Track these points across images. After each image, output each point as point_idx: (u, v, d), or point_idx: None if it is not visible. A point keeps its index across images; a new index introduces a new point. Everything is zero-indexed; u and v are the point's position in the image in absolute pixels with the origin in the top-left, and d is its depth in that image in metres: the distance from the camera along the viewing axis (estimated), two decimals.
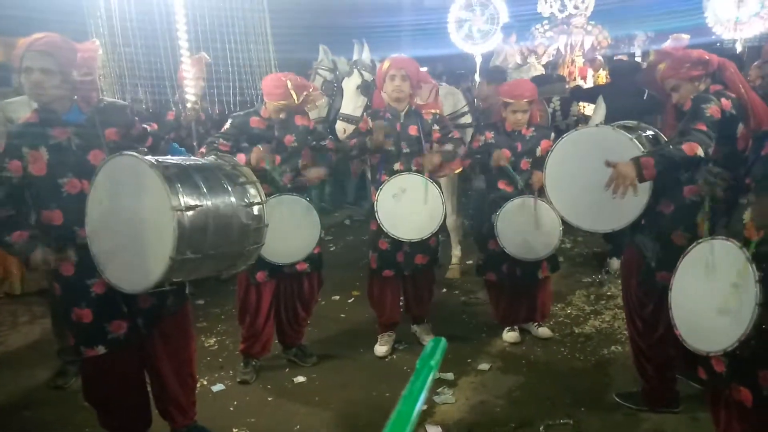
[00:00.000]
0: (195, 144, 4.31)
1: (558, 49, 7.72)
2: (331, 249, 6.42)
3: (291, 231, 3.35)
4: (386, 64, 3.69)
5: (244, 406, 3.30)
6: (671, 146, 2.56)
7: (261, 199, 2.47)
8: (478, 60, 6.89)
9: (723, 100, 2.60)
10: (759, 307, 1.97)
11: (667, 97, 2.89)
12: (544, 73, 6.84)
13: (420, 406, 0.87)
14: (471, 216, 4.68)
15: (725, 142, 2.58)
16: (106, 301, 2.48)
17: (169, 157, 2.50)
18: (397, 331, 3.94)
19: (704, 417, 2.78)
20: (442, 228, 3.88)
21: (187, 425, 2.84)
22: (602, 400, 3.22)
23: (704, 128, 2.52)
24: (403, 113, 3.70)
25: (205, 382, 3.49)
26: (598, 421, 3.05)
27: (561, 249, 3.82)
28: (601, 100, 5.28)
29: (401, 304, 4.01)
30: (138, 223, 2.30)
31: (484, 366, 3.65)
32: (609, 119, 4.46)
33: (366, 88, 4.72)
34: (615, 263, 4.99)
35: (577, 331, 4.12)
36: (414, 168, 3.66)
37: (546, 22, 7.81)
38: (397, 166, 3.66)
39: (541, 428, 2.99)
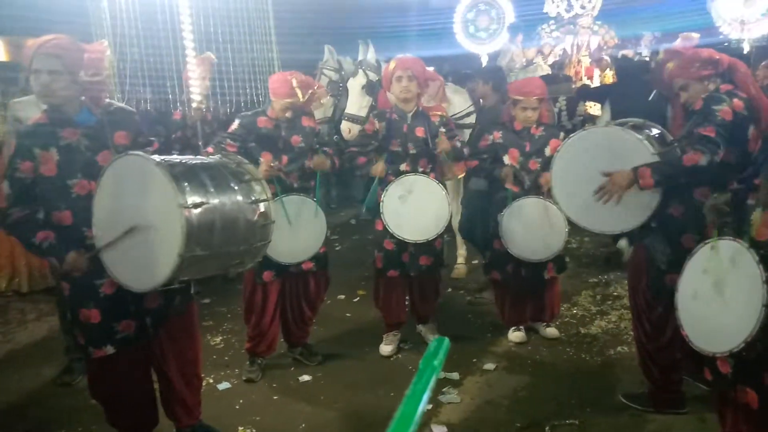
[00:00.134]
0: (200, 143, 4.33)
1: (564, 49, 7.71)
2: (337, 248, 6.44)
3: (297, 231, 3.36)
4: (392, 65, 3.69)
5: (250, 404, 3.31)
6: (671, 156, 2.57)
7: (267, 196, 2.48)
8: (484, 60, 6.88)
9: (735, 100, 2.58)
10: (765, 308, 1.97)
11: (676, 96, 2.88)
12: (550, 72, 6.83)
13: (423, 406, 0.87)
14: (464, 216, 4.64)
15: (737, 143, 2.57)
16: (114, 301, 2.48)
17: (174, 156, 2.51)
18: (403, 331, 3.95)
19: (711, 418, 2.77)
20: (448, 228, 3.88)
21: (192, 424, 2.85)
22: (608, 401, 3.21)
23: (712, 134, 2.50)
24: (411, 114, 3.70)
25: (210, 381, 3.51)
26: (604, 421, 3.04)
27: (567, 249, 3.81)
28: (607, 103, 5.25)
29: (407, 303, 4.01)
30: (145, 222, 2.31)
31: (489, 366, 3.65)
32: (615, 119, 4.44)
33: (371, 88, 4.73)
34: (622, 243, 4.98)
35: (583, 331, 4.11)
36: (420, 169, 3.66)
37: (552, 22, 7.80)
38: (403, 166, 3.66)
39: (546, 428, 2.98)
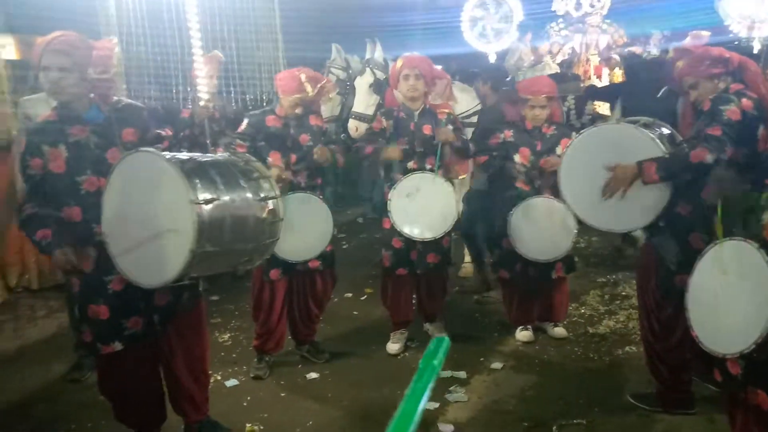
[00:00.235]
0: (208, 142, 4.34)
1: (573, 48, 7.68)
2: (344, 247, 6.44)
3: (304, 229, 3.36)
4: (399, 64, 3.69)
5: (257, 401, 3.32)
6: (677, 151, 2.56)
7: (275, 193, 2.49)
8: (492, 58, 6.86)
9: (744, 100, 2.56)
10: None
11: (686, 94, 2.87)
12: (558, 71, 6.80)
13: (423, 405, 0.87)
14: (464, 215, 4.61)
15: (745, 143, 2.55)
16: (123, 297, 2.49)
17: (184, 153, 2.52)
18: (410, 329, 3.95)
19: (720, 419, 2.75)
20: (455, 227, 3.87)
21: (200, 420, 2.86)
22: (616, 401, 3.20)
23: (719, 133, 2.49)
24: (418, 112, 3.70)
25: (218, 377, 3.52)
26: (612, 422, 3.03)
27: (575, 248, 3.79)
28: (618, 102, 5.23)
29: (414, 302, 4.01)
30: (155, 218, 2.32)
31: (497, 365, 3.64)
32: (626, 117, 4.42)
33: (378, 87, 4.73)
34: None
35: (591, 331, 4.10)
36: (428, 167, 3.66)
37: (561, 20, 7.77)
38: (410, 164, 3.66)
39: (554, 428, 2.98)
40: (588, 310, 4.45)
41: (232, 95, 5.72)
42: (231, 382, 3.50)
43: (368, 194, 7.83)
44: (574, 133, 3.71)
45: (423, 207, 3.59)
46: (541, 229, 3.66)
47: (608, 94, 6.25)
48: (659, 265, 2.87)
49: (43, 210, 2.46)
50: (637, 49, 7.45)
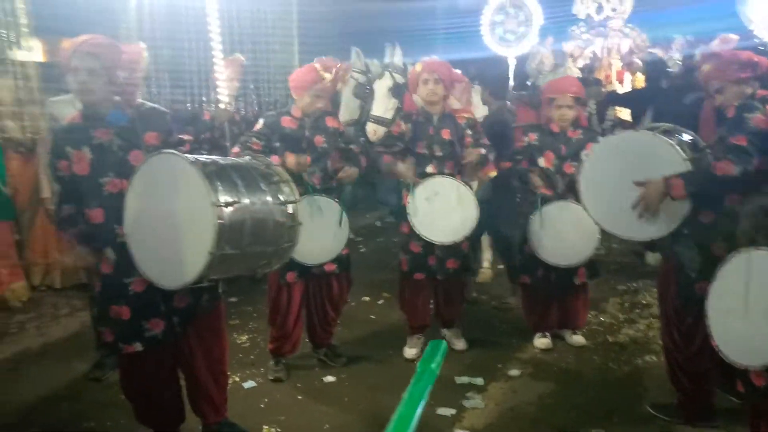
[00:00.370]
0: (228, 144, 4.39)
1: (594, 52, 7.61)
2: (362, 250, 6.46)
3: (320, 232, 3.36)
4: (419, 68, 3.69)
5: (275, 403, 3.33)
6: (704, 165, 2.52)
7: (295, 197, 2.50)
8: (512, 63, 6.83)
9: None
10: None
11: (708, 99, 2.83)
12: (580, 76, 6.75)
13: (421, 409, 0.87)
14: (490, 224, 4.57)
15: None
16: (144, 299, 2.52)
17: (205, 156, 2.55)
18: (427, 335, 3.94)
19: None
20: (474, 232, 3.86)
21: (219, 421, 2.88)
22: (635, 411, 3.16)
23: (743, 142, 2.45)
24: (437, 117, 3.69)
25: (236, 379, 3.54)
26: None
27: (594, 254, 3.74)
28: (649, 111, 5.16)
29: (431, 307, 4.00)
30: (176, 220, 2.34)
31: (514, 372, 3.62)
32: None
33: (397, 91, 4.73)
34: (650, 257, 4.90)
35: (610, 339, 4.06)
36: (447, 171, 3.65)
37: (582, 24, 7.71)
38: (429, 168, 3.66)
39: None
40: (607, 318, 4.40)
41: (252, 98, 5.77)
42: (249, 384, 3.53)
43: (386, 198, 7.83)
44: (600, 138, 3.67)
45: (442, 211, 3.58)
46: (562, 234, 3.63)
47: (630, 99, 6.19)
48: (679, 272, 2.83)
49: (79, 210, 2.52)
50: (659, 51, 7.36)
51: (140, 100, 2.70)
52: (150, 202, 2.40)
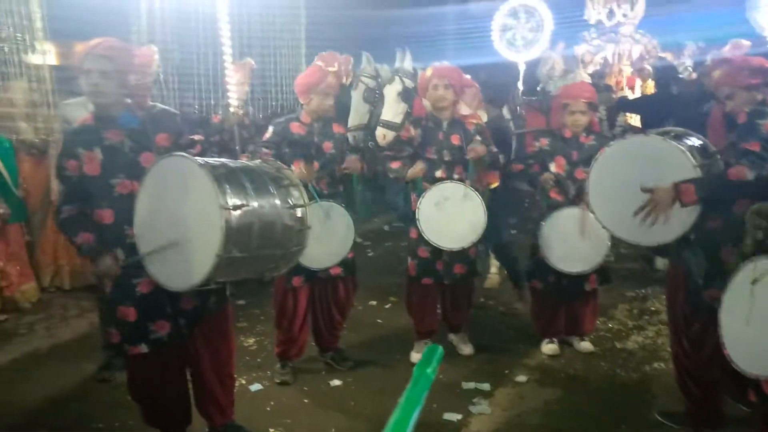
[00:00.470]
0: (237, 148, 4.40)
1: (605, 58, 7.59)
2: (369, 254, 6.46)
3: (327, 237, 3.37)
4: (429, 73, 3.70)
5: (281, 406, 3.34)
6: (716, 171, 2.49)
7: (304, 201, 2.50)
8: (522, 68, 6.81)
9: None
10: None
11: (717, 104, 2.81)
12: (590, 82, 6.73)
13: (417, 414, 0.87)
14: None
15: None
16: (150, 300, 2.53)
17: (216, 158, 2.56)
18: (434, 339, 3.93)
19: None
20: (482, 238, 3.85)
21: (225, 424, 2.88)
22: (643, 418, 3.14)
23: (757, 148, 2.43)
24: (446, 122, 3.70)
25: (243, 382, 3.55)
26: None
27: (605, 262, 3.72)
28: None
29: (438, 312, 3.99)
30: (185, 222, 2.35)
31: (521, 378, 3.60)
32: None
33: (407, 95, 4.73)
34: (659, 262, 4.87)
35: (618, 346, 4.03)
36: (456, 176, 3.65)
37: (593, 29, 7.69)
38: (439, 174, 3.66)
39: None
40: (616, 325, 4.37)
41: (261, 101, 5.80)
42: (255, 387, 3.53)
43: (395, 202, 7.83)
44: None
45: (451, 217, 3.58)
46: (573, 240, 3.61)
47: (639, 106, 6.16)
48: (688, 279, 2.81)
49: (83, 212, 2.53)
50: (669, 56, 7.33)
51: (151, 103, 2.72)
52: (159, 204, 2.42)
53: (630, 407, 3.26)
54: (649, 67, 7.12)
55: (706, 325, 2.69)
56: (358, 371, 3.71)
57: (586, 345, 3.94)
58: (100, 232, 2.52)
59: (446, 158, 3.66)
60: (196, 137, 2.74)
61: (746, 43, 5.25)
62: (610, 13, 7.86)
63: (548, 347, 3.90)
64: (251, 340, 4.20)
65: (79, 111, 3.65)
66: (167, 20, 4.97)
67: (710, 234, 2.70)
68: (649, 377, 3.61)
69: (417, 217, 3.60)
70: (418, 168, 3.63)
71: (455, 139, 3.66)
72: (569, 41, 7.31)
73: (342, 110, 5.19)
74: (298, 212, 2.47)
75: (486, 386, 3.47)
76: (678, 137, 2.82)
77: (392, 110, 4.73)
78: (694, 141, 2.87)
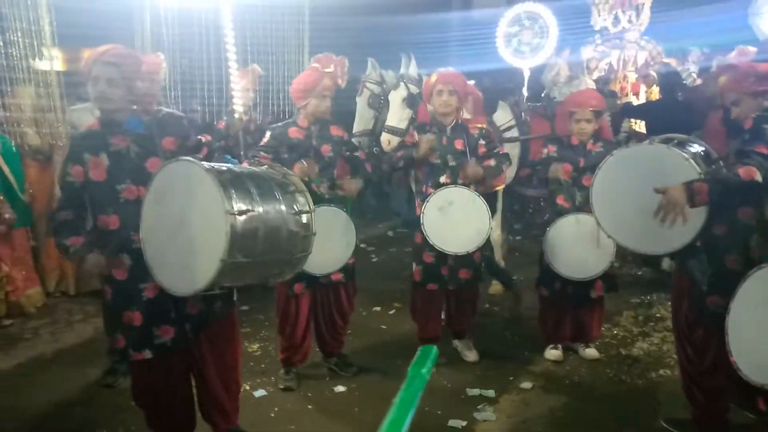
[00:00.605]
0: (242, 153, 4.42)
1: (610, 64, 7.59)
2: (374, 260, 6.45)
3: (328, 242, 3.35)
4: (433, 79, 3.70)
5: (285, 412, 3.33)
6: (726, 170, 2.48)
7: (309, 207, 2.50)
8: (526, 74, 6.83)
9: None
10: None
11: (712, 111, 2.80)
12: (594, 88, 6.73)
13: (412, 414, 0.87)
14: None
15: None
16: (156, 305, 2.53)
17: (222, 163, 2.57)
18: (438, 345, 3.91)
19: None
20: (486, 243, 3.85)
21: (229, 429, 2.87)
22: (649, 425, 3.12)
23: (765, 151, 2.42)
24: (450, 127, 3.70)
25: (247, 387, 3.54)
26: None
27: (610, 268, 3.71)
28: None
29: (443, 318, 3.99)
30: (191, 227, 2.35)
31: (526, 384, 3.59)
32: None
33: (412, 101, 4.75)
34: (665, 263, 4.86)
35: (624, 352, 4.01)
36: (460, 181, 3.65)
37: (598, 36, 7.69)
38: (443, 178, 3.66)
39: None
40: (621, 332, 4.36)
41: (266, 107, 5.82)
42: (259, 393, 3.53)
43: (399, 207, 7.84)
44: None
45: (455, 221, 3.58)
46: (577, 247, 3.61)
47: (644, 112, 6.15)
48: (692, 285, 2.79)
49: (79, 217, 2.53)
50: (673, 61, 7.31)
51: (158, 107, 2.73)
52: (165, 209, 2.42)
53: (635, 414, 3.24)
54: (654, 74, 7.11)
55: (710, 332, 2.68)
56: (362, 377, 3.70)
57: (591, 352, 3.92)
58: (105, 238, 2.53)
59: (450, 163, 3.66)
60: (204, 139, 2.75)
61: (752, 49, 5.24)
62: (615, 20, 7.86)
63: (551, 353, 3.89)
64: (255, 346, 4.20)
65: (86, 116, 3.68)
66: (172, 27, 5.00)
67: (714, 241, 2.68)
68: (654, 384, 3.59)
69: (422, 221, 3.59)
70: (425, 141, 3.60)
71: (459, 144, 3.67)
72: (574, 48, 7.32)
73: (348, 116, 5.22)
74: (304, 218, 2.47)
75: (491, 393, 3.46)
76: (681, 144, 2.81)
77: (397, 116, 4.75)
78: (697, 148, 2.86)
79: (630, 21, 7.57)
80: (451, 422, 3.14)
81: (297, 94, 3.52)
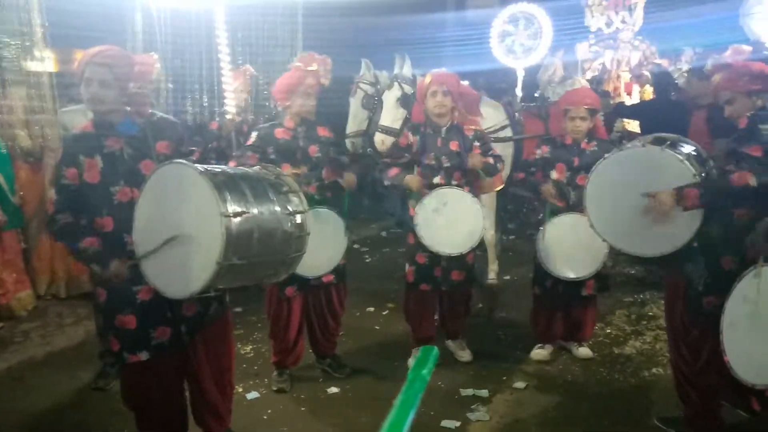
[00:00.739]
0: (234, 155, 4.40)
1: (603, 64, 7.61)
2: (367, 260, 6.45)
3: (320, 244, 3.33)
4: (427, 80, 3.70)
5: (278, 414, 3.32)
6: (719, 175, 2.49)
7: (303, 208, 2.50)
8: (520, 74, 6.84)
9: None
10: None
11: (697, 110, 2.81)
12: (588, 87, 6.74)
13: (412, 415, 0.86)
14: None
15: None
16: (151, 307, 2.52)
17: (215, 165, 2.55)
18: (432, 346, 3.91)
19: None
20: (480, 243, 3.85)
21: None
22: (642, 424, 3.13)
23: (759, 153, 2.43)
24: (445, 128, 3.70)
25: (240, 389, 3.52)
26: None
27: (603, 268, 3.71)
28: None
29: (436, 318, 3.98)
30: (185, 229, 2.33)
31: (519, 384, 3.59)
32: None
33: (406, 101, 4.75)
34: None
35: (616, 351, 4.02)
36: (454, 182, 3.65)
37: (592, 36, 7.71)
38: (437, 179, 3.66)
39: None
40: (614, 330, 4.36)
41: (260, 108, 5.82)
42: (252, 395, 3.51)
43: (393, 208, 7.83)
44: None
45: (449, 222, 3.58)
46: (571, 246, 3.61)
47: (637, 112, 6.17)
48: (687, 286, 2.80)
49: (78, 220, 2.51)
50: (665, 63, 7.34)
51: (151, 111, 2.72)
52: (159, 211, 2.40)
53: (628, 413, 3.25)
54: (647, 73, 7.14)
55: (705, 332, 2.69)
56: (355, 378, 3.69)
57: (584, 351, 3.93)
58: (101, 239, 2.51)
59: (445, 164, 3.65)
60: (194, 146, 2.73)
61: (747, 48, 5.26)
62: (609, 20, 7.88)
63: (537, 352, 3.90)
64: (248, 348, 4.18)
65: (79, 118, 3.65)
66: (164, 28, 4.99)
67: (710, 242, 2.69)
68: (647, 382, 3.60)
69: (415, 222, 3.59)
70: (415, 181, 3.62)
71: (454, 145, 3.66)
72: (569, 48, 7.34)
73: (341, 117, 5.21)
74: (298, 218, 2.47)
75: (484, 393, 3.46)
76: (674, 145, 2.81)
77: (391, 116, 4.75)
78: (689, 148, 2.86)
79: (623, 21, 7.59)
80: (445, 422, 3.13)
81: (281, 95, 3.51)
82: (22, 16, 4.57)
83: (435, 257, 3.64)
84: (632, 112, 6.34)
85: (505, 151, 4.82)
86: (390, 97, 4.79)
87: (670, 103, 5.55)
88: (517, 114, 5.46)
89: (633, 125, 6.17)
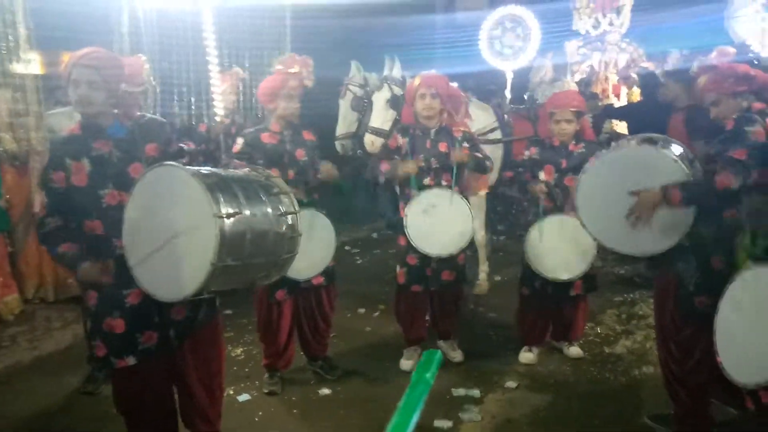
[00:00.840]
0: (223, 157, 4.38)
1: (591, 66, 7.66)
2: (358, 262, 6.44)
3: (309, 246, 3.32)
4: (417, 82, 3.71)
5: (269, 416, 3.31)
6: (703, 177, 2.51)
7: (294, 209, 2.49)
8: (509, 76, 6.87)
9: None
10: None
11: (677, 111, 2.84)
12: (576, 89, 6.78)
13: (416, 418, 0.86)
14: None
15: None
16: (139, 311, 2.49)
17: (206, 167, 2.54)
18: (423, 347, 3.91)
19: None
20: (470, 244, 3.85)
21: None
22: (633, 422, 3.15)
23: (743, 156, 2.45)
24: (434, 130, 3.70)
25: (231, 392, 3.51)
26: None
27: (592, 268, 3.73)
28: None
29: (428, 319, 3.98)
30: (177, 232, 2.31)
31: (511, 384, 3.60)
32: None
33: (395, 103, 4.76)
34: None
35: (607, 350, 4.04)
36: (444, 183, 3.65)
37: (580, 38, 7.76)
38: (427, 181, 3.66)
39: None
40: (604, 330, 4.39)
41: (249, 111, 5.80)
42: (243, 397, 3.50)
43: (384, 210, 7.83)
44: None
45: (439, 223, 3.58)
46: (559, 247, 3.62)
47: (625, 113, 6.22)
48: (678, 285, 2.82)
49: (68, 224, 2.48)
50: (651, 65, 7.40)
51: (139, 112, 2.69)
52: (150, 214, 2.37)
53: (619, 411, 3.27)
54: (634, 75, 7.19)
55: (697, 331, 2.70)
56: (347, 380, 3.69)
57: (575, 350, 3.94)
58: (89, 243, 2.48)
59: (434, 165, 3.66)
60: (186, 146, 2.71)
61: (732, 50, 5.32)
62: (596, 23, 7.93)
63: (525, 356, 3.90)
64: (239, 350, 4.16)
65: (65, 121, 3.62)
66: (151, 29, 4.96)
67: (701, 242, 2.71)
68: (637, 381, 3.62)
69: (405, 224, 3.59)
70: (411, 164, 3.60)
71: (443, 147, 3.67)
72: (557, 51, 7.38)
73: (331, 119, 5.20)
74: (289, 219, 2.46)
75: (476, 393, 3.46)
76: (665, 146, 2.83)
77: (381, 117, 4.76)
78: (677, 148, 2.89)
79: (611, 23, 7.64)
80: (437, 423, 3.13)
81: (265, 98, 3.50)
82: (7, 18, 4.53)
83: (426, 258, 3.64)
84: (620, 113, 6.38)
85: (495, 153, 4.84)
86: (380, 99, 4.80)
87: (658, 104, 5.60)
88: (506, 116, 5.49)
89: (621, 127, 6.22)
